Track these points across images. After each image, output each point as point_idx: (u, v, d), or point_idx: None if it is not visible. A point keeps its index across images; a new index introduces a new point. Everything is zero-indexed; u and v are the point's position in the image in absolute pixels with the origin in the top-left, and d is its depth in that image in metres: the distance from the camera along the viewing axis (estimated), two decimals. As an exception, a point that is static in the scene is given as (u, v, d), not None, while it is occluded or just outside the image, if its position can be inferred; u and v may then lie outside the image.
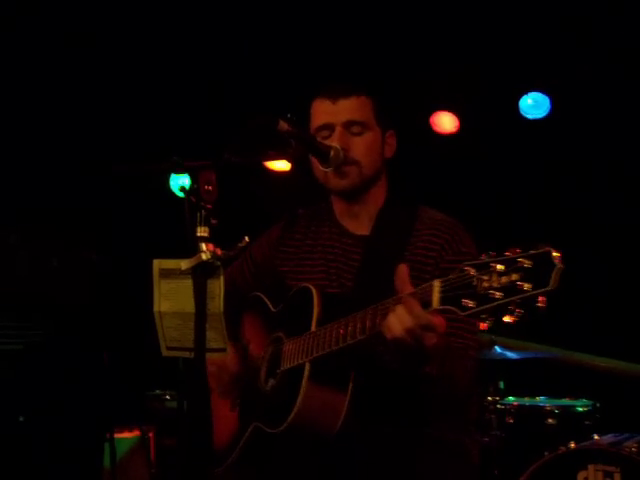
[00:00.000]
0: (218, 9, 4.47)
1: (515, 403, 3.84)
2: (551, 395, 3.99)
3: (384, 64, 4.50)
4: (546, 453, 3.23)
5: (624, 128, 4.50)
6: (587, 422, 3.67)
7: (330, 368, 2.10)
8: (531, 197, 4.75)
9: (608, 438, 3.29)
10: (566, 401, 3.89)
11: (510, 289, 1.67)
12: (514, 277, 1.67)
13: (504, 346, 3.82)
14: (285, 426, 2.08)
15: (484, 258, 1.74)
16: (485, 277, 1.71)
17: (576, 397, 3.90)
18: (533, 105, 4.73)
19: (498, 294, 1.69)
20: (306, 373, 2.10)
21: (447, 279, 1.80)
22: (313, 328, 2.14)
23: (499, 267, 1.70)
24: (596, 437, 3.37)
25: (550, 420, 3.66)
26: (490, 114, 4.71)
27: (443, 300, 1.81)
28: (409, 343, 1.90)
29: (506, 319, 1.70)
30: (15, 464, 3.68)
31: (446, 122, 4.93)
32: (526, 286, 1.65)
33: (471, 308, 1.73)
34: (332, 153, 2.24)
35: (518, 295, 1.66)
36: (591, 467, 3.04)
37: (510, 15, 4.36)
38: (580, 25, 4.31)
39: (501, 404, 3.81)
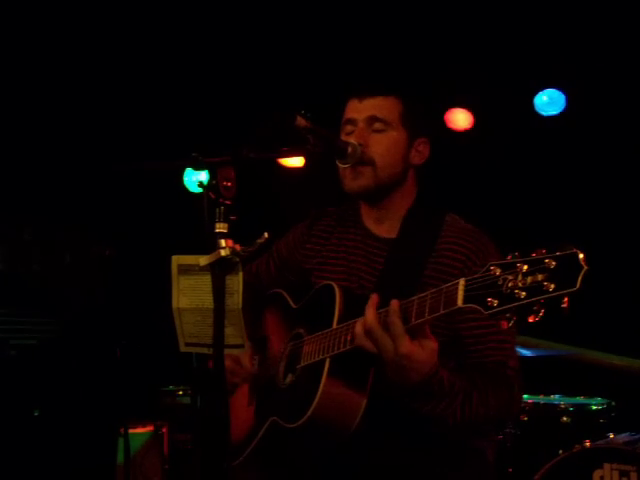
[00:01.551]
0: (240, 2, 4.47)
1: (530, 401, 3.83)
2: (566, 393, 3.98)
3: (400, 61, 4.49)
4: (561, 451, 3.22)
5: (638, 125, 4.48)
6: (602, 420, 3.66)
7: (350, 366, 2.09)
8: (546, 194, 4.73)
9: (624, 437, 3.27)
10: (581, 399, 3.88)
11: (535, 289, 1.68)
12: (539, 277, 1.68)
13: (518, 344, 3.80)
14: (303, 420, 2.08)
15: (510, 259, 1.75)
16: (510, 277, 1.72)
17: (591, 395, 3.89)
18: (548, 102, 4.72)
19: (523, 294, 1.69)
20: (326, 368, 2.09)
21: (472, 278, 1.81)
22: (334, 325, 2.14)
23: (524, 267, 1.71)
24: (611, 436, 3.35)
25: (565, 418, 3.65)
26: (505, 111, 4.69)
27: (467, 298, 1.81)
28: (370, 346, 1.96)
29: (530, 319, 1.70)
30: (29, 458, 3.70)
31: (461, 119, 4.92)
32: (551, 287, 1.66)
33: (495, 307, 1.74)
34: (349, 149, 2.24)
35: (542, 295, 1.67)
36: (607, 466, 3.02)
37: (525, 12, 4.34)
38: (595, 21, 4.29)
39: (515, 402, 3.79)
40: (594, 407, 3.72)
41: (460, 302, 1.82)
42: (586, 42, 4.39)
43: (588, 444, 3.17)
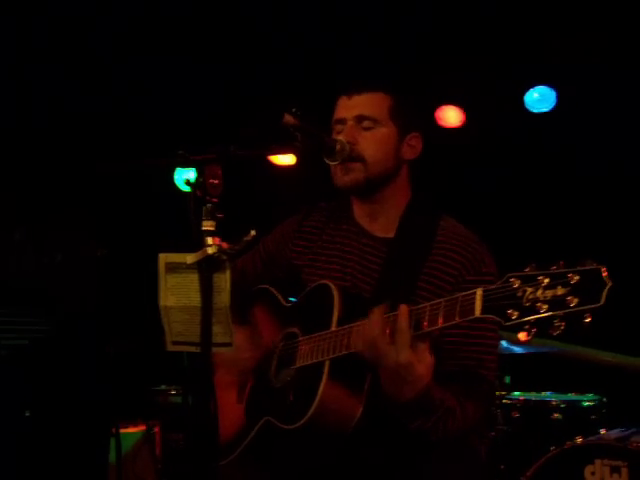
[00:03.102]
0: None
1: (521, 398, 3.84)
2: (557, 390, 3.99)
3: (390, 59, 4.49)
4: (552, 448, 3.22)
5: (629, 122, 4.48)
6: (593, 417, 3.67)
7: (348, 368, 2.08)
8: (536, 191, 4.74)
9: (615, 433, 3.28)
10: (572, 396, 3.89)
11: (557, 303, 1.69)
12: (561, 291, 1.69)
13: (510, 341, 3.81)
14: (302, 422, 2.06)
15: (528, 271, 1.76)
16: (530, 289, 1.73)
17: (582, 392, 3.91)
18: (539, 99, 4.72)
19: (544, 307, 1.71)
20: (326, 370, 2.08)
21: (491, 289, 1.81)
22: (333, 327, 2.12)
23: (546, 280, 1.72)
24: (603, 432, 3.36)
25: (556, 415, 3.66)
26: (496, 108, 4.70)
27: (486, 309, 1.81)
28: (369, 354, 1.95)
29: (550, 332, 1.72)
30: (21, 459, 3.69)
31: (451, 116, 4.92)
32: (574, 301, 1.67)
33: (515, 319, 1.74)
34: (338, 147, 2.23)
35: (565, 309, 1.68)
36: (598, 462, 3.03)
37: (516, 8, 4.34)
38: (585, 18, 4.29)
39: (507, 399, 3.81)
40: (585, 403, 3.73)
41: (478, 312, 1.82)
42: (576, 39, 4.40)
43: (580, 440, 3.19)
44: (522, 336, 1.75)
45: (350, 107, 2.29)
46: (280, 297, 2.42)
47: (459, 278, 2.17)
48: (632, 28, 4.24)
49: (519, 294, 1.74)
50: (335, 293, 2.16)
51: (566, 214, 4.65)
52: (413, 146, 2.33)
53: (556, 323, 1.70)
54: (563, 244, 4.39)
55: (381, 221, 2.32)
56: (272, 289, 2.45)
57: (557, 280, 1.70)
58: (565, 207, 4.68)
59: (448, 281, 2.18)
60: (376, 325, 1.97)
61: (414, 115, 2.35)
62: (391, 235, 2.30)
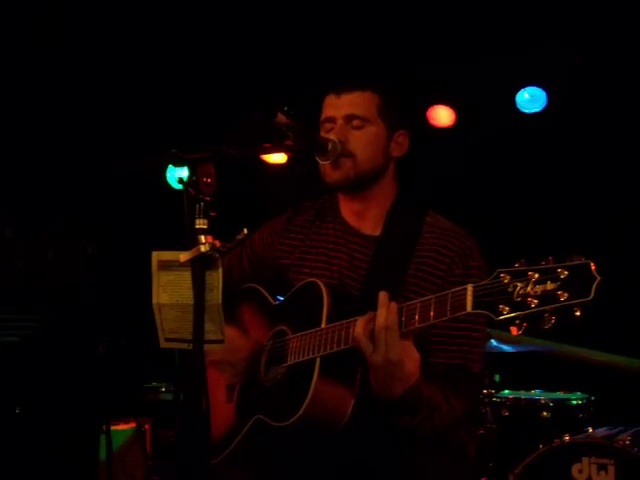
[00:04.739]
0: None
1: (510, 396, 3.87)
2: (546, 388, 4.02)
3: (382, 58, 4.50)
4: (541, 446, 3.25)
5: (620, 121, 4.51)
6: (581, 415, 3.71)
7: (339, 364, 2.09)
8: (526, 191, 4.76)
9: (602, 431, 3.32)
10: (561, 394, 3.92)
11: (547, 297, 1.71)
12: (551, 286, 1.71)
13: (500, 339, 3.84)
14: (294, 420, 2.07)
15: (518, 266, 1.78)
16: (520, 284, 1.75)
17: (571, 390, 3.94)
18: (530, 99, 4.74)
19: (535, 301, 1.73)
20: (317, 367, 2.08)
21: (481, 284, 1.83)
22: (323, 324, 2.13)
23: (536, 275, 1.74)
24: (590, 430, 3.39)
25: (545, 413, 3.69)
26: (487, 108, 4.72)
27: (477, 304, 1.83)
28: (367, 348, 1.96)
29: (541, 327, 1.74)
30: (11, 456, 3.68)
31: (443, 116, 4.94)
32: (564, 295, 1.69)
33: (506, 314, 1.77)
34: (330, 146, 2.24)
35: (555, 304, 1.70)
36: (585, 460, 3.06)
37: (507, 9, 4.36)
38: (575, 19, 4.32)
39: (496, 397, 3.83)
40: (574, 402, 3.76)
41: (470, 307, 1.84)
42: (567, 39, 4.42)
43: (567, 438, 3.21)
44: (513, 331, 1.78)
45: (339, 106, 2.30)
46: (268, 296, 2.43)
47: (448, 272, 2.19)
48: (622, 28, 4.27)
49: (510, 289, 1.76)
50: (323, 290, 2.17)
51: (557, 213, 4.67)
52: (400, 143, 2.36)
53: (547, 317, 1.72)
54: (553, 242, 4.41)
55: (368, 219, 2.34)
56: (259, 288, 2.46)
57: (547, 275, 1.72)
58: (557, 206, 4.70)
59: (437, 275, 2.19)
60: (360, 327, 1.99)
61: (401, 113, 2.38)
62: (378, 232, 2.32)
